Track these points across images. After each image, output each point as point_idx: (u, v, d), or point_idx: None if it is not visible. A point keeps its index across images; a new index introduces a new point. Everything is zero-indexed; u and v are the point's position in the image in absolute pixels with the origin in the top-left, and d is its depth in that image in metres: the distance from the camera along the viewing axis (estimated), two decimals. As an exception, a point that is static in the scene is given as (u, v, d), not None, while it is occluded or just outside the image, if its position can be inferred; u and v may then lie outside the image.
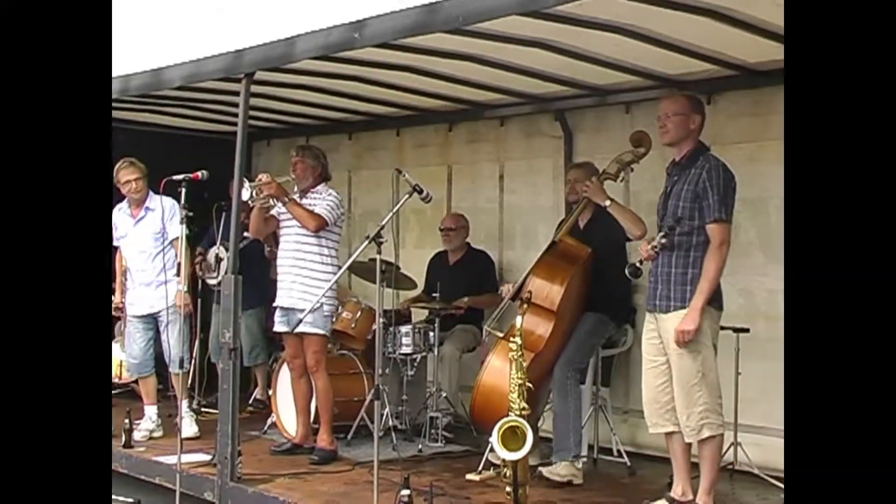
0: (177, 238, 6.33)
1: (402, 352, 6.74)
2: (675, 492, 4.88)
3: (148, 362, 7.00)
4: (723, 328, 6.01)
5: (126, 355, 7.18)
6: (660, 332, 4.82)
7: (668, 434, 4.88)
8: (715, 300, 4.76)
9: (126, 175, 6.80)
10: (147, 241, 6.81)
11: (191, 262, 7.24)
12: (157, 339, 6.93)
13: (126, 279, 7.10)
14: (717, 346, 4.83)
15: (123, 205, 6.99)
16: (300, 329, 5.96)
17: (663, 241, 4.69)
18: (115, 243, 7.02)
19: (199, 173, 6.04)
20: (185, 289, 6.63)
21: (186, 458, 5.88)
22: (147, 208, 6.86)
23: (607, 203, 5.67)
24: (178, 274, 6.22)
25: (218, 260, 7.55)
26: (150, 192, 6.72)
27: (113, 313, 7.59)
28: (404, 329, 6.75)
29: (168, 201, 6.69)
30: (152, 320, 6.91)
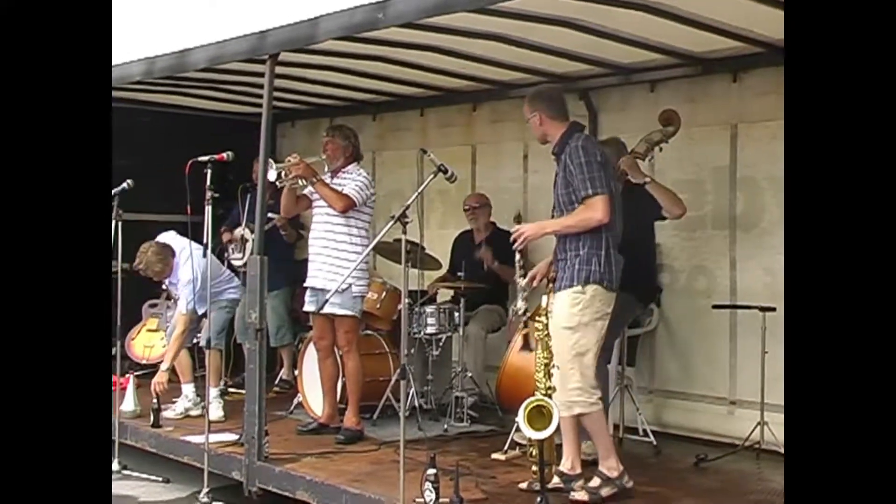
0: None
1: (427, 332, 6.75)
2: (564, 465, 4.94)
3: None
4: (748, 307, 6.02)
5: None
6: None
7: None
8: (605, 279, 4.82)
9: None
10: None
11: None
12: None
13: None
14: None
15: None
16: (330, 311, 5.98)
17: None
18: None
19: (224, 154, 6.05)
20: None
21: (214, 437, 5.92)
22: None
23: (646, 181, 5.63)
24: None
25: (243, 241, 7.59)
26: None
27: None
28: (429, 309, 6.76)
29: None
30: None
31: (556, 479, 4.92)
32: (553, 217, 5.12)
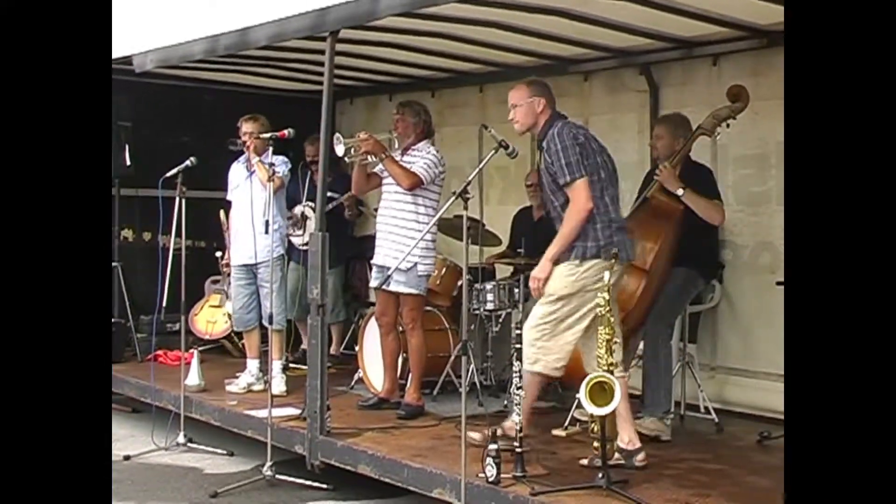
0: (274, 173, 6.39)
1: (486, 308, 6.75)
2: (622, 441, 5.01)
3: (251, 317, 7.13)
4: (778, 284, 5.92)
5: (232, 309, 7.37)
6: None
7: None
8: (604, 252, 4.90)
9: (245, 128, 6.93)
10: (256, 193, 6.86)
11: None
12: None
13: (231, 236, 7.25)
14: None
15: (242, 158, 7.14)
16: (396, 289, 6.00)
17: None
18: (228, 197, 7.23)
19: (285, 131, 6.12)
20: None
21: (277, 412, 6.00)
22: (262, 162, 6.95)
23: (680, 192, 5.61)
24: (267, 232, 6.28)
25: (304, 218, 7.65)
26: (269, 149, 6.80)
27: (224, 270, 7.83)
28: (489, 285, 6.76)
29: (279, 158, 6.78)
30: (252, 274, 7.04)
31: (616, 455, 4.92)
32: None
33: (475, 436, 5.12)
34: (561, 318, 4.96)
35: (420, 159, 6.15)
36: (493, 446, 4.68)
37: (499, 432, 4.92)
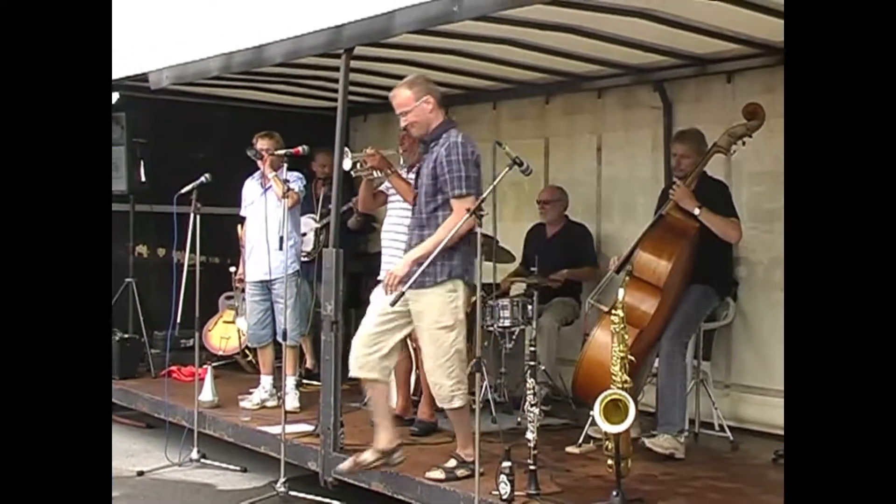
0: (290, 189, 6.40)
1: (500, 325, 6.74)
2: (381, 444, 5.11)
3: (265, 333, 7.14)
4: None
5: (246, 325, 7.38)
6: (412, 305, 5.01)
7: (372, 381, 5.11)
8: (467, 274, 4.97)
9: (260, 144, 6.96)
10: (270, 209, 6.86)
11: None
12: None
13: (246, 252, 7.27)
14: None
15: (257, 174, 7.16)
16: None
17: None
18: (242, 213, 7.26)
19: (300, 148, 6.14)
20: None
21: (290, 428, 6.00)
22: (276, 177, 6.98)
23: (696, 211, 5.62)
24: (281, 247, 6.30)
25: (316, 234, 7.67)
26: (284, 166, 6.84)
27: (236, 285, 7.84)
28: (503, 302, 6.76)
29: (293, 174, 6.79)
30: (267, 291, 7.05)
31: (451, 462, 5.10)
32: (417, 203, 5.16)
33: (368, 457, 5.12)
34: (458, 347, 4.98)
35: None
36: (506, 463, 4.67)
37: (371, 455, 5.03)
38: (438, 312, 4.95)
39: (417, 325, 5.05)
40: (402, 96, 5.13)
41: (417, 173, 5.29)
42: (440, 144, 4.99)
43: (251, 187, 7.17)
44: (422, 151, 5.14)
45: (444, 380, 4.99)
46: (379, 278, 6.29)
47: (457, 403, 5.02)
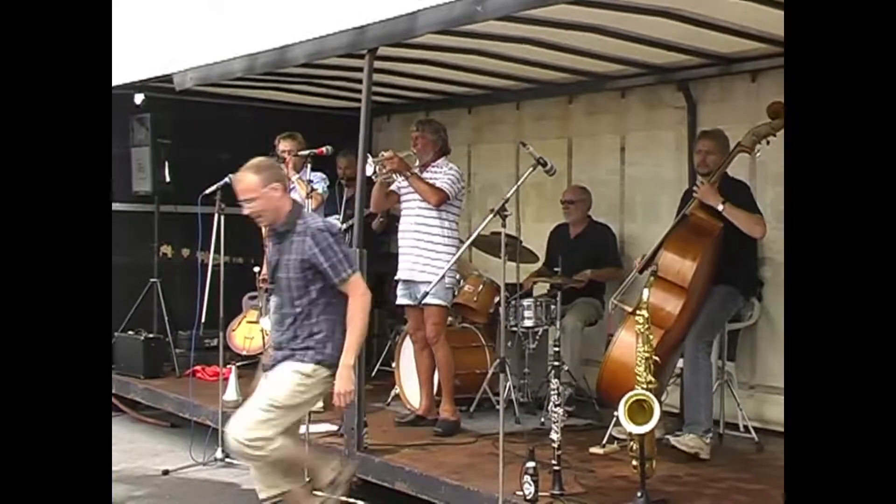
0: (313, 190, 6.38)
1: (524, 325, 6.74)
2: (324, 480, 4.75)
3: None
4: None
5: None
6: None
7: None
8: (333, 362, 4.57)
9: (283, 146, 6.98)
10: None
11: None
12: None
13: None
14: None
15: None
16: (423, 300, 6.02)
17: None
18: None
19: (323, 149, 6.16)
20: None
21: (314, 428, 6.00)
22: (300, 179, 7.00)
23: (721, 207, 5.57)
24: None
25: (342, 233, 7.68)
26: (308, 167, 6.84)
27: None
28: (526, 302, 6.76)
29: (317, 175, 6.81)
30: None
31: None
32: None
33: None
34: (290, 411, 4.62)
35: (443, 175, 6.22)
36: (530, 464, 4.67)
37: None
38: (284, 388, 4.56)
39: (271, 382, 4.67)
40: (247, 181, 4.66)
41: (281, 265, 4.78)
42: (298, 233, 4.61)
43: None
44: (274, 241, 4.77)
45: (249, 420, 4.52)
46: (398, 278, 6.32)
47: (255, 452, 4.50)
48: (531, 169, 5.01)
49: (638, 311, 4.96)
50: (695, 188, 5.76)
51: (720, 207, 5.58)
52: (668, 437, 5.47)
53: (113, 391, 8.31)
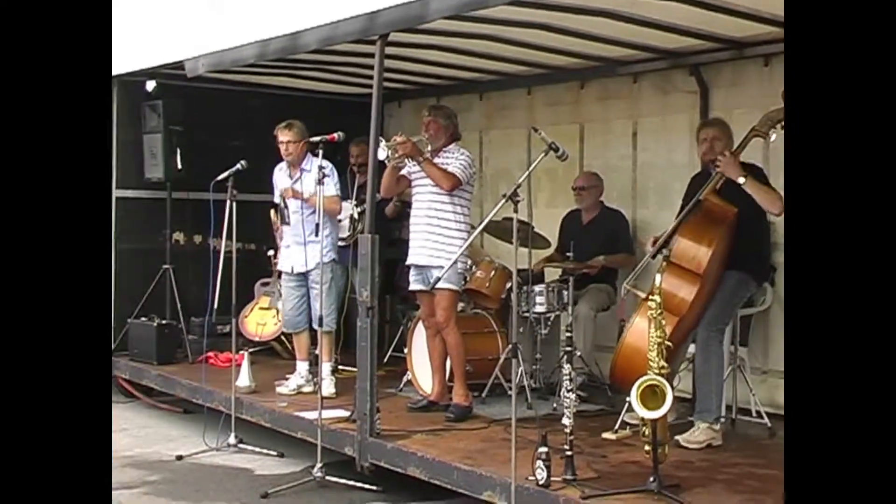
0: (324, 196, 6.37)
1: (536, 311, 6.74)
2: None
3: (300, 319, 7.17)
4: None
5: (282, 311, 7.42)
6: None
7: None
8: None
9: (281, 136, 6.97)
10: (300, 201, 6.93)
11: None
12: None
13: (281, 239, 7.31)
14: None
15: (283, 164, 7.19)
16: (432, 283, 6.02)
17: None
18: (275, 199, 7.27)
19: (335, 135, 6.14)
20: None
21: (327, 413, 6.03)
22: (302, 169, 6.98)
23: (742, 180, 5.50)
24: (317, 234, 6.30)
25: (352, 220, 7.67)
26: (309, 155, 6.84)
27: (273, 269, 7.89)
28: (538, 288, 6.75)
29: (327, 165, 6.81)
30: (303, 278, 7.09)
31: None
32: None
33: None
34: None
35: (454, 160, 6.20)
36: (542, 449, 4.67)
37: None
38: None
39: None
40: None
41: None
42: None
43: (280, 177, 7.19)
44: None
45: None
46: (408, 263, 6.32)
47: None
48: (543, 154, 4.99)
49: (651, 297, 4.94)
50: (717, 161, 5.65)
51: (741, 181, 5.50)
52: (677, 437, 5.45)
53: (126, 377, 8.37)
